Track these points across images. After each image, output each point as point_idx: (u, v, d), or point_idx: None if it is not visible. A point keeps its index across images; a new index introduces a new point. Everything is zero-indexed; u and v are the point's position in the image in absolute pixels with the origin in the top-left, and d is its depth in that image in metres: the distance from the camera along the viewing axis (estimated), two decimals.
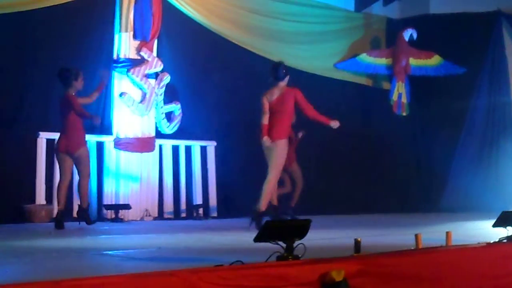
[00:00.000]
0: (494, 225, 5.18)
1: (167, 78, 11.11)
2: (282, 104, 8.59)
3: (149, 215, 10.69)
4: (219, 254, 5.17)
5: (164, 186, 11.18)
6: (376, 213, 11.81)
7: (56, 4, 10.30)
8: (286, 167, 9.38)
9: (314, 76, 13.17)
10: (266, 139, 8.45)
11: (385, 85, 14.29)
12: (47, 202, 10.13)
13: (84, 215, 9.17)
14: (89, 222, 9.09)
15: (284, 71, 8.75)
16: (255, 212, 8.31)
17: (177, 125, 11.23)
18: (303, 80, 12.86)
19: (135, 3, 10.84)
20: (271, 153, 8.49)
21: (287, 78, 8.70)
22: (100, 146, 10.75)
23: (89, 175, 9.31)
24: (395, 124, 13.97)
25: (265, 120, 8.57)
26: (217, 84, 12.08)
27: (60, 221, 8.88)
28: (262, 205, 8.30)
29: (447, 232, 5.15)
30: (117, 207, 10.41)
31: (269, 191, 8.38)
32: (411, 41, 13.93)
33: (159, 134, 11.16)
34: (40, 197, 10.12)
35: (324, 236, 6.79)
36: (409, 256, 4.39)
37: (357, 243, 4.34)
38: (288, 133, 8.66)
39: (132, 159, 10.79)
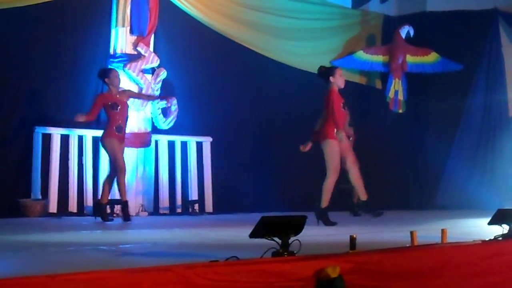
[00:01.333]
0: (490, 223, 5.18)
1: (163, 74, 11.12)
2: (324, 106, 8.68)
3: (145, 211, 10.69)
4: (215, 249, 5.16)
5: (159, 182, 11.18)
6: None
7: None
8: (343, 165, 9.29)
9: (309, 74, 13.16)
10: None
11: (378, 84, 14.31)
12: (42, 197, 10.13)
13: (100, 209, 9.33)
14: (126, 217, 9.26)
15: (322, 74, 8.80)
16: (318, 209, 8.42)
17: (173, 121, 11.23)
18: (298, 77, 12.89)
19: None
20: (324, 154, 8.63)
21: (330, 79, 8.68)
22: (96, 141, 10.74)
23: (118, 170, 9.34)
24: (392, 121, 13.98)
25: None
26: (214, 79, 12.08)
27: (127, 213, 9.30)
28: (323, 202, 8.46)
29: (442, 230, 5.16)
30: (112, 202, 10.39)
31: (326, 190, 8.55)
32: (407, 38, 13.93)
33: (155, 130, 11.16)
34: (36, 192, 10.12)
35: (320, 233, 6.80)
36: (404, 253, 4.39)
37: (352, 240, 4.34)
38: (333, 133, 8.62)
39: (128, 155, 10.77)
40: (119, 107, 9.39)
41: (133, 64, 10.80)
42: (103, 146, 9.53)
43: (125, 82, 10.84)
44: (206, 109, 11.87)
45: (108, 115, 9.40)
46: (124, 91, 9.78)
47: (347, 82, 13.64)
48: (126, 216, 9.25)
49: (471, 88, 13.99)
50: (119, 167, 9.31)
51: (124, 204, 9.40)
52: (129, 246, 5.66)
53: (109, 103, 9.35)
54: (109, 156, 9.55)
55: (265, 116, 12.63)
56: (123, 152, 9.52)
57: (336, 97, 8.69)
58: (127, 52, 10.93)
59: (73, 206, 10.38)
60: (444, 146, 13.80)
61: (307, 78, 12.92)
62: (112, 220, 9.30)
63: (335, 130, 8.55)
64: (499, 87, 13.95)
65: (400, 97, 13.89)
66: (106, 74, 9.55)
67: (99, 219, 9.22)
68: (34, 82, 10.39)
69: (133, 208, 10.66)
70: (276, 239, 3.87)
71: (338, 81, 8.73)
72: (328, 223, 8.32)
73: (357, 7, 14.40)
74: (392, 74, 13.93)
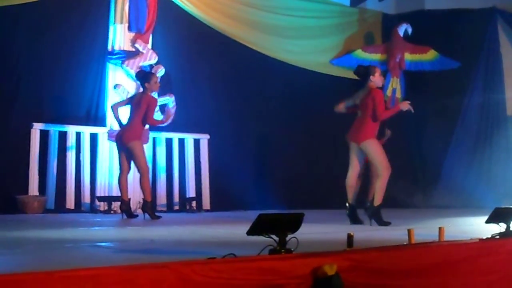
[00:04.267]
0: (487, 221, 5.18)
1: (161, 71, 11.10)
2: (363, 105, 8.49)
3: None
4: (212, 246, 5.16)
5: (157, 179, 11.18)
6: None
7: None
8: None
9: (307, 71, 13.16)
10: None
11: None
12: (40, 193, 10.13)
13: (147, 209, 9.23)
14: (154, 217, 9.14)
15: (361, 73, 8.64)
16: (371, 209, 8.34)
17: (171, 118, 11.23)
18: (295, 75, 12.88)
19: None
20: (366, 154, 8.48)
21: (370, 78, 8.52)
22: (93, 137, 10.76)
23: (145, 170, 9.31)
24: (389, 119, 13.95)
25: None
26: (211, 77, 12.09)
27: (126, 211, 9.22)
28: (377, 200, 8.31)
29: (439, 228, 5.15)
30: (110, 199, 10.41)
31: (380, 188, 8.37)
32: (406, 37, 13.93)
33: (153, 127, 11.15)
34: (33, 188, 10.13)
35: (317, 230, 6.79)
36: (401, 251, 4.39)
37: (350, 238, 4.34)
38: (374, 132, 8.53)
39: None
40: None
41: (131, 61, 10.80)
42: (129, 148, 9.23)
43: (123, 79, 10.85)
44: (204, 106, 11.88)
45: (142, 118, 9.23)
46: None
47: (345, 79, 13.77)
48: (152, 216, 9.22)
49: (469, 87, 14.00)
50: (143, 169, 9.29)
51: (148, 204, 9.35)
52: (127, 243, 5.66)
53: (155, 107, 9.39)
54: (134, 157, 9.29)
55: (263, 114, 12.63)
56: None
57: (382, 97, 8.58)
58: (125, 49, 10.93)
59: (70, 203, 10.40)
60: (442, 144, 13.80)
61: (305, 76, 12.96)
62: (159, 218, 9.26)
63: (386, 130, 8.52)
64: (497, 85, 13.96)
65: (398, 95, 13.89)
66: (147, 78, 9.40)
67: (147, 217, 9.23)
68: (32, 78, 10.38)
69: (130, 205, 10.65)
70: (274, 236, 3.87)
71: (378, 80, 8.61)
72: (382, 222, 8.13)
73: (355, 5, 14.40)
74: (390, 72, 13.93)
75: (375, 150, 8.43)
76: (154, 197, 11.08)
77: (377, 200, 8.28)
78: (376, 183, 8.46)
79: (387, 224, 8.04)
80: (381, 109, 8.38)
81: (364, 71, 8.62)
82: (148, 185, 9.41)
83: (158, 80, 9.74)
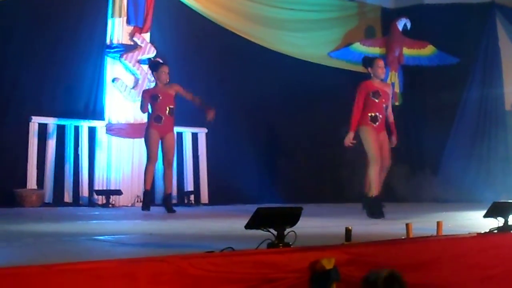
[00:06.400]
0: (485, 216, 5.18)
1: None
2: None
3: (140, 201, 10.68)
4: (210, 240, 5.16)
5: (155, 172, 11.16)
6: None
7: None
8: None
9: (307, 64, 13.15)
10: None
11: None
12: (38, 187, 10.13)
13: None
14: (170, 210, 9.34)
15: (364, 64, 8.76)
16: (365, 198, 8.41)
17: None
18: (295, 67, 12.88)
19: None
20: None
21: (368, 70, 8.64)
22: (92, 131, 10.75)
23: (148, 159, 9.42)
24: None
25: None
26: (209, 70, 12.07)
27: (144, 202, 9.36)
28: (371, 191, 8.43)
29: (437, 222, 5.16)
30: (108, 193, 10.43)
31: (370, 178, 8.52)
32: (405, 31, 13.92)
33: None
34: (32, 182, 10.13)
35: (315, 224, 6.79)
36: (399, 245, 4.39)
37: (348, 232, 4.34)
38: (364, 120, 8.58)
39: (124, 145, 10.79)
40: (159, 98, 9.39)
41: (130, 54, 10.80)
42: (144, 141, 9.58)
43: (122, 72, 10.84)
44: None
45: (150, 106, 9.40)
46: (172, 84, 9.61)
47: (343, 71, 13.74)
48: (145, 206, 9.35)
49: (468, 81, 13.98)
50: (148, 157, 9.40)
51: (145, 193, 9.49)
52: (125, 237, 5.66)
53: (151, 95, 9.40)
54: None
55: (261, 107, 12.62)
56: (158, 144, 9.49)
57: (361, 90, 8.62)
58: (123, 42, 10.92)
59: (68, 196, 10.40)
60: (441, 138, 13.79)
61: (304, 69, 12.94)
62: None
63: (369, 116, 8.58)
64: (496, 80, 13.95)
65: (396, 89, 13.88)
66: (154, 68, 9.60)
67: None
68: (30, 71, 10.38)
69: (129, 199, 10.69)
70: (272, 230, 3.87)
71: (376, 72, 8.69)
72: (372, 215, 8.23)
73: None
74: (389, 67, 13.89)
75: (365, 137, 8.54)
76: (153, 190, 11.08)
77: (372, 191, 8.36)
78: (367, 172, 8.54)
79: (379, 216, 8.11)
80: (354, 101, 8.52)
81: (365, 61, 8.81)
82: (145, 175, 9.49)
83: (167, 70, 9.69)
